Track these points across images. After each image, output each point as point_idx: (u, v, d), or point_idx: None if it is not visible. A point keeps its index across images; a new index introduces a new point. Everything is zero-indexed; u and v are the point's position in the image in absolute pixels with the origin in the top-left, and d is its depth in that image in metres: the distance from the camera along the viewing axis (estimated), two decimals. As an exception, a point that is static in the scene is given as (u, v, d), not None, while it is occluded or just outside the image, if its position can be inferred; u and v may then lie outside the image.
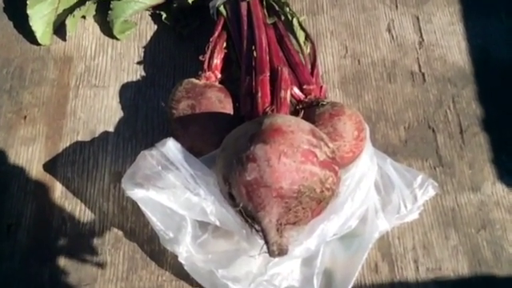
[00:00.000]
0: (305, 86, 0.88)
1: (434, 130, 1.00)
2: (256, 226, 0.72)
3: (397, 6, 1.14)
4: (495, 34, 1.10)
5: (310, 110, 0.85)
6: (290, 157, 0.68)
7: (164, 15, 1.08)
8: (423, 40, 1.10)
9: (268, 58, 0.87)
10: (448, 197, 0.94)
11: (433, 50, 1.08)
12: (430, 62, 1.07)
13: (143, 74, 1.07)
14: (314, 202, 0.72)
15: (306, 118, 0.84)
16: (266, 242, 0.69)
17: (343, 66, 1.07)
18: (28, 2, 1.01)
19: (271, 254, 0.69)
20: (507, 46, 1.09)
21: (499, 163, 0.97)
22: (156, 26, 1.12)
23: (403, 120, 1.01)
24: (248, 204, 0.70)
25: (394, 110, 1.02)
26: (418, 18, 1.12)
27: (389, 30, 1.11)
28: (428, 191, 0.87)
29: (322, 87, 0.91)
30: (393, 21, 1.12)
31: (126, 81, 1.06)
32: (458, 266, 0.89)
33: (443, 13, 1.13)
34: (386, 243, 0.90)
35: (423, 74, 1.06)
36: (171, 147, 0.80)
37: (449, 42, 1.10)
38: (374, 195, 0.87)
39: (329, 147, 0.73)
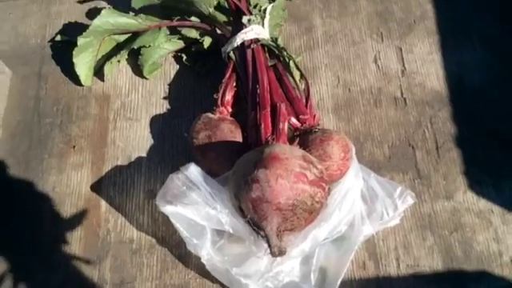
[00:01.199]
0: (301, 116, 0.98)
1: (413, 147, 1.07)
2: (261, 233, 0.82)
3: (382, 39, 1.21)
4: (469, 62, 1.16)
5: (305, 136, 0.96)
6: (285, 178, 0.80)
7: (185, 57, 1.18)
8: (405, 69, 1.17)
9: (269, 95, 0.96)
10: (425, 204, 1.01)
11: (414, 78, 1.15)
12: (411, 88, 1.14)
13: (168, 107, 1.15)
14: (306, 213, 0.83)
15: (301, 142, 0.95)
16: (269, 246, 0.80)
17: (336, 94, 1.15)
18: (74, 52, 1.11)
19: (273, 254, 0.81)
20: (479, 73, 1.15)
21: (470, 175, 1.04)
22: (178, 66, 1.20)
23: (387, 139, 1.09)
24: (254, 216, 0.81)
25: (379, 132, 1.10)
26: (401, 49, 1.19)
27: (375, 61, 1.19)
28: (407, 200, 0.95)
29: (315, 116, 1.00)
30: (379, 52, 1.20)
31: (154, 114, 1.15)
32: (433, 263, 0.96)
33: (423, 43, 1.20)
34: (372, 244, 0.98)
35: (405, 99, 1.13)
36: (193, 171, 0.91)
37: (428, 69, 1.16)
38: (361, 205, 0.94)
39: (317, 168, 0.85)
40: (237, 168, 0.87)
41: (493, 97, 1.13)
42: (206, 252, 0.90)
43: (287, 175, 0.81)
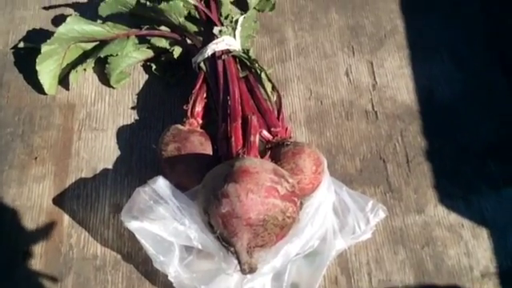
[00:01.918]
0: (272, 129, 0.97)
1: (384, 161, 1.08)
2: (231, 249, 0.80)
3: (354, 53, 1.21)
4: (438, 76, 1.17)
5: (277, 149, 0.94)
6: (255, 193, 0.78)
7: (154, 66, 1.15)
8: (376, 83, 1.17)
9: (240, 107, 0.95)
10: (396, 218, 1.01)
11: (384, 91, 1.16)
12: (382, 102, 1.15)
13: (137, 117, 1.12)
14: (277, 228, 0.81)
15: (273, 155, 0.94)
16: (239, 262, 0.78)
17: (308, 107, 1.14)
18: (37, 60, 1.07)
19: (243, 272, 0.78)
20: (448, 86, 1.16)
21: (440, 188, 1.04)
22: (147, 76, 1.18)
23: (359, 152, 1.08)
24: (223, 231, 0.79)
25: (351, 144, 1.10)
26: (371, 63, 1.20)
27: (347, 75, 1.19)
28: (378, 214, 0.94)
29: (287, 129, 1.00)
30: (350, 66, 1.20)
31: (121, 124, 1.12)
32: (405, 278, 0.96)
33: (393, 58, 1.20)
34: (344, 259, 0.97)
35: (376, 113, 1.13)
36: (161, 184, 0.88)
37: (398, 83, 1.17)
38: (333, 218, 0.93)
39: (289, 182, 0.83)
40: (206, 182, 0.85)
41: (462, 110, 1.14)
42: (174, 269, 0.87)
43: (258, 190, 0.79)
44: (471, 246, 1.00)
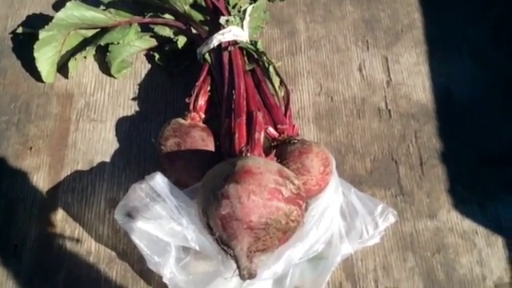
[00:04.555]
0: (279, 126, 0.94)
1: (396, 162, 1.04)
2: (230, 253, 0.77)
3: (368, 48, 1.18)
4: (457, 74, 1.14)
5: (283, 148, 0.91)
6: (258, 195, 0.74)
7: (157, 56, 1.12)
8: (391, 79, 1.14)
9: (245, 102, 0.91)
10: (407, 223, 0.98)
11: (399, 89, 1.12)
12: (396, 100, 1.11)
13: (137, 109, 1.09)
14: (280, 232, 0.78)
15: (278, 154, 0.90)
16: (238, 267, 0.75)
17: (317, 103, 1.11)
18: (35, 46, 1.04)
19: (242, 277, 0.75)
20: (467, 86, 1.12)
21: (454, 193, 1.01)
22: (150, 66, 1.14)
23: (369, 153, 1.05)
24: (223, 234, 0.76)
25: (361, 144, 1.06)
26: (386, 59, 1.16)
27: (360, 70, 1.15)
28: (388, 218, 0.91)
29: (294, 126, 0.96)
30: (364, 61, 1.16)
31: (121, 115, 1.09)
32: (413, 286, 0.93)
33: (410, 54, 1.17)
34: (349, 264, 0.94)
35: (389, 111, 1.10)
36: (159, 181, 0.85)
37: (414, 81, 1.13)
38: (340, 222, 0.90)
39: (294, 184, 0.79)
40: (206, 181, 0.82)
41: (480, 112, 1.11)
42: (169, 270, 0.84)
43: (260, 191, 0.75)
44: (485, 255, 0.97)
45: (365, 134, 1.08)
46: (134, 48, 1.11)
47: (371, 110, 1.11)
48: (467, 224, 0.99)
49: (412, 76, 1.15)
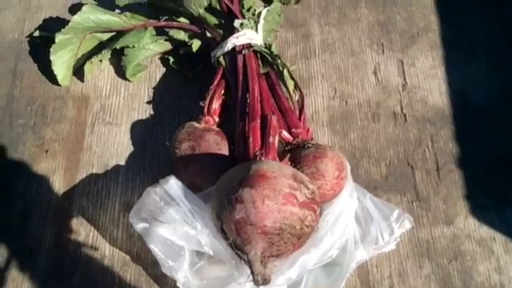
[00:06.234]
0: (293, 130, 0.93)
1: (412, 167, 1.03)
2: (244, 258, 0.76)
3: (383, 51, 1.16)
4: (474, 78, 1.13)
5: (297, 152, 0.90)
6: (272, 199, 0.74)
7: (172, 60, 1.12)
8: (406, 83, 1.12)
9: (259, 106, 0.91)
10: (423, 229, 0.97)
11: (415, 93, 1.11)
12: (412, 104, 1.10)
13: (152, 112, 1.09)
14: (294, 238, 0.77)
15: (293, 158, 0.89)
16: (252, 273, 0.75)
17: (332, 107, 1.10)
18: (51, 50, 1.05)
19: (256, 283, 0.75)
20: (484, 90, 1.11)
21: (471, 199, 1.00)
22: (164, 69, 1.14)
23: (385, 157, 1.04)
24: (237, 238, 0.76)
25: (376, 148, 1.05)
26: (402, 62, 1.15)
27: (375, 73, 1.14)
28: (404, 224, 0.90)
29: (308, 130, 0.95)
30: (379, 64, 1.15)
31: (136, 119, 1.09)
32: None
33: (426, 57, 1.15)
34: (364, 271, 0.93)
35: (405, 115, 1.09)
36: (173, 185, 0.85)
37: (430, 84, 1.12)
38: (354, 227, 0.89)
39: (309, 189, 0.79)
40: (220, 185, 0.81)
41: (498, 116, 1.09)
42: (183, 275, 0.84)
43: (275, 196, 0.75)
44: (503, 262, 0.95)
45: (380, 138, 1.07)
46: (149, 51, 1.11)
47: (386, 113, 1.10)
48: (485, 231, 0.97)
49: (428, 79, 1.14)
